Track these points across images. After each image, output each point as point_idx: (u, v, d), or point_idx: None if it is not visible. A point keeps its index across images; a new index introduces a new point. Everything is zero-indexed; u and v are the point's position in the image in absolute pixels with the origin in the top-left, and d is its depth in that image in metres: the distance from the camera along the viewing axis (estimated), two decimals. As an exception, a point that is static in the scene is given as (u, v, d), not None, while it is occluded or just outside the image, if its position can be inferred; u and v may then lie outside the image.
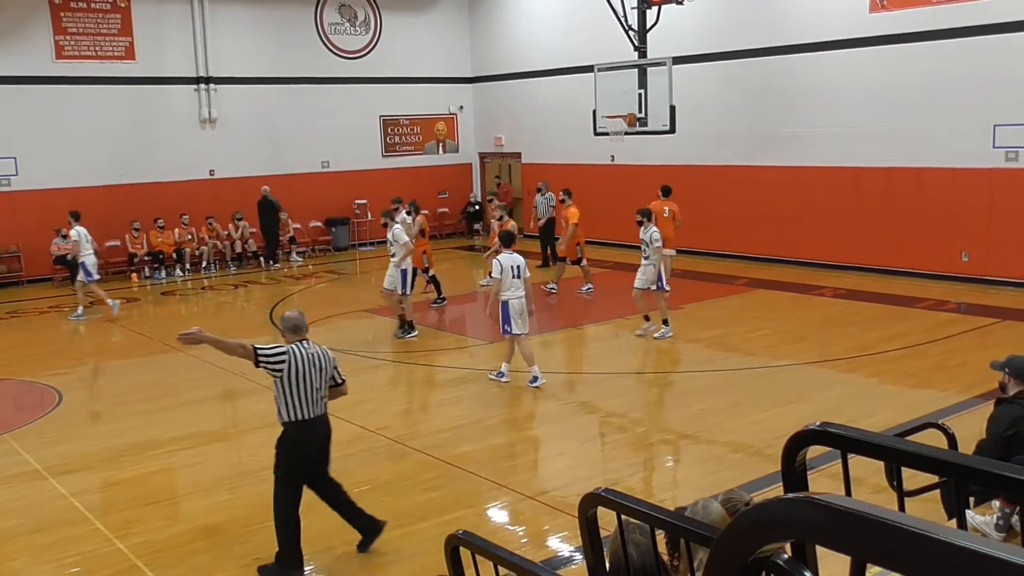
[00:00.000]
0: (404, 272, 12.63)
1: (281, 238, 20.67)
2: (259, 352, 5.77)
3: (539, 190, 18.59)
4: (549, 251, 17.79)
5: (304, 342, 5.99)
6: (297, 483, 6.00)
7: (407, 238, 12.75)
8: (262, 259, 20.38)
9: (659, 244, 12.02)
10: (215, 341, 5.79)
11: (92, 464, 8.37)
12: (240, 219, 20.20)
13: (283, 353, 5.84)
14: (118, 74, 19.10)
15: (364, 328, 13.92)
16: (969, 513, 4.85)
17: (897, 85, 15.35)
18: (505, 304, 10.06)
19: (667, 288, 12.29)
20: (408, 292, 12.78)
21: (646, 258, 12.11)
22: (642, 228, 12.15)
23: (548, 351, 12.32)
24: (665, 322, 12.24)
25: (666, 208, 15.59)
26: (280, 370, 5.81)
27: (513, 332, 10.14)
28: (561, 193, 16.06)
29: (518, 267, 10.10)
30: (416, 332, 12.86)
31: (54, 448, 8.77)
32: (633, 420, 9.17)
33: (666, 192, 15.54)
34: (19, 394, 11.20)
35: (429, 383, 10.69)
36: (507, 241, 10.44)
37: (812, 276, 16.16)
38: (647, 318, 12.28)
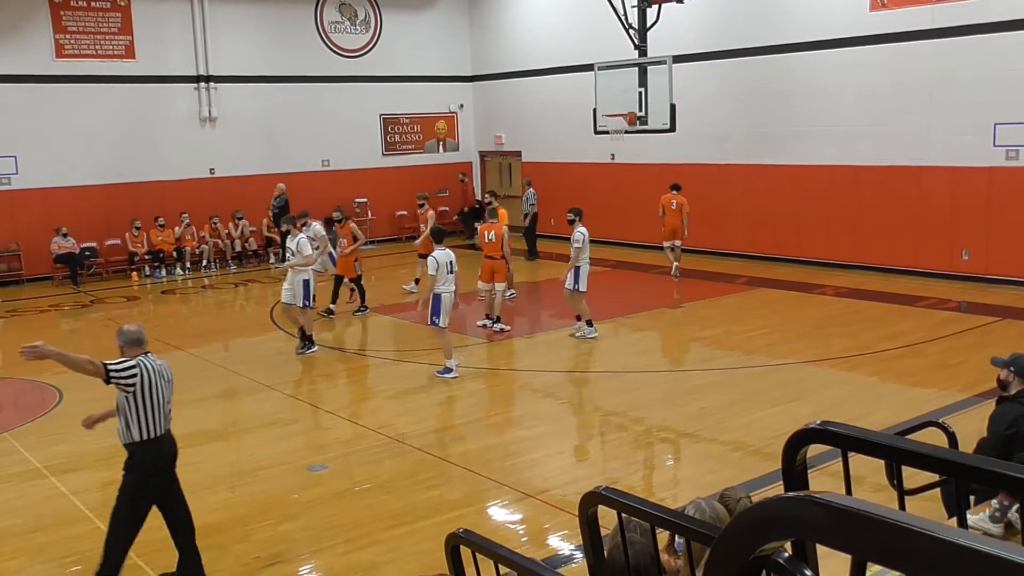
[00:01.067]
0: (306, 283, 11.72)
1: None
2: (110, 368, 5.45)
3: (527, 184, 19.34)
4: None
5: (148, 355, 5.71)
6: (144, 508, 5.68)
7: (311, 251, 11.97)
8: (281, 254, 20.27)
9: (579, 246, 12.01)
10: (61, 356, 5.39)
11: (92, 463, 8.36)
12: (240, 218, 20.19)
13: (134, 367, 5.54)
14: (118, 73, 19.09)
15: (365, 327, 13.93)
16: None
17: (897, 84, 15.34)
18: (438, 297, 10.45)
19: (582, 289, 12.17)
20: (311, 305, 11.88)
21: (587, 259, 12.14)
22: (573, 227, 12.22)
23: (547, 349, 12.32)
24: (584, 320, 12.26)
25: (674, 201, 16.26)
26: (132, 384, 5.51)
27: (441, 324, 10.52)
28: (487, 195, 15.43)
29: (451, 263, 10.53)
30: (316, 348, 11.94)
31: (54, 447, 8.77)
32: (633, 419, 9.17)
33: (676, 187, 16.37)
34: (19, 393, 11.20)
35: (429, 382, 10.69)
36: (439, 238, 10.88)
37: (812, 275, 16.15)
38: (588, 322, 12.28)
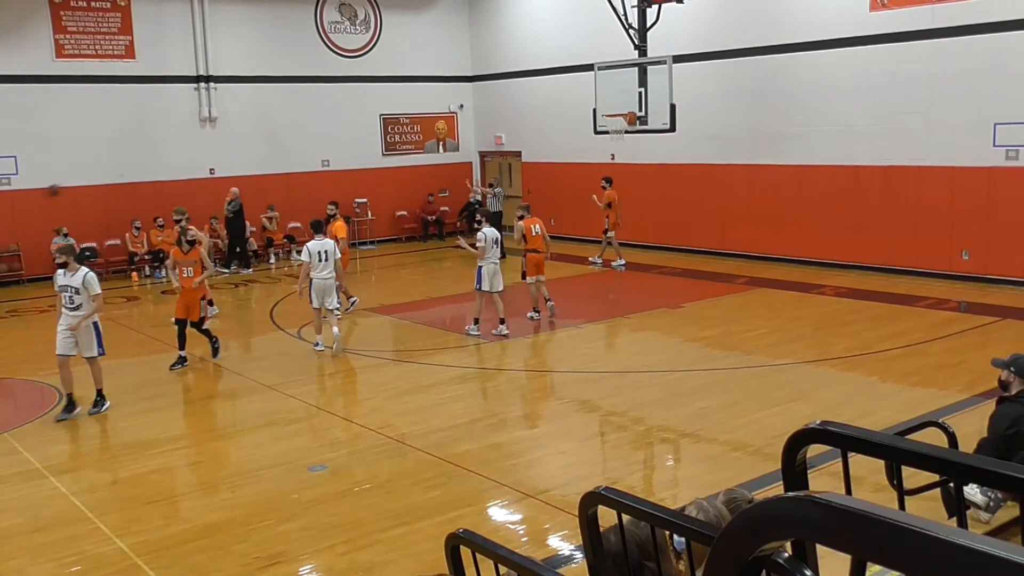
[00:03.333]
0: (96, 326, 9.60)
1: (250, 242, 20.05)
2: None
3: (491, 185, 19.69)
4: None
5: None
6: None
7: (99, 289, 9.56)
8: (241, 262, 19.40)
9: (481, 244, 12.33)
10: None
11: (92, 463, 8.37)
12: (240, 218, 20.15)
13: None
14: (118, 73, 19.09)
15: (365, 327, 13.93)
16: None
17: (897, 83, 15.34)
18: (312, 282, 11.70)
19: (483, 288, 12.42)
20: (104, 352, 9.77)
21: (493, 259, 12.41)
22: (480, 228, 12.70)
23: (547, 349, 12.33)
24: (476, 321, 12.64)
25: (615, 196, 17.55)
26: None
27: (315, 306, 11.82)
28: (330, 206, 14.58)
29: (325, 252, 11.73)
30: (108, 404, 9.76)
31: (54, 447, 8.77)
32: (633, 419, 9.17)
33: (610, 180, 17.70)
34: (19, 393, 11.20)
35: (429, 382, 10.69)
36: (317, 228, 12.15)
37: (812, 275, 16.15)
38: (475, 320, 12.65)
